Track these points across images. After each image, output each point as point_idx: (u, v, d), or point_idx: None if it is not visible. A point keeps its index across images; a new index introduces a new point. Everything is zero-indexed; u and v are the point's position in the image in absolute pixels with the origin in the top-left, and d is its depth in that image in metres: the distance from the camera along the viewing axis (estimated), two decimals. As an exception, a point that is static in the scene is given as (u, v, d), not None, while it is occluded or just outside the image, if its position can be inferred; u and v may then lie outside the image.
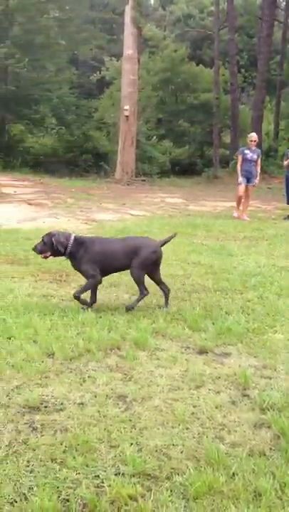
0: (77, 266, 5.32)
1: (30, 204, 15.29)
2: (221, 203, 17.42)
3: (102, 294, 5.77)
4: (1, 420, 3.06)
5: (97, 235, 9.78)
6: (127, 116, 23.85)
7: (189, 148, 32.06)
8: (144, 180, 24.54)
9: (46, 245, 5.24)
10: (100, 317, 4.93)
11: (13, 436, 2.89)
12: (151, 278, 5.48)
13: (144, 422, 3.07)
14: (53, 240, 5.17)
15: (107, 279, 5.69)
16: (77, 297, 5.23)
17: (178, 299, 5.76)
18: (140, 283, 5.34)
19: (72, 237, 5.25)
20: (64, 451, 2.74)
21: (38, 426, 3.00)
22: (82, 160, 27.08)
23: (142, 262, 5.24)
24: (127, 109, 23.77)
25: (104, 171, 26.51)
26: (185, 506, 2.39)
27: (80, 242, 5.26)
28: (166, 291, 5.47)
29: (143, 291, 5.34)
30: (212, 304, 5.57)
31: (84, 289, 5.29)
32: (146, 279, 5.32)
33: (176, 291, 6.00)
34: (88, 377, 3.69)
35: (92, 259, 5.20)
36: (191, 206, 16.65)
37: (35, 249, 5.36)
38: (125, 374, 3.77)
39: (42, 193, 18.12)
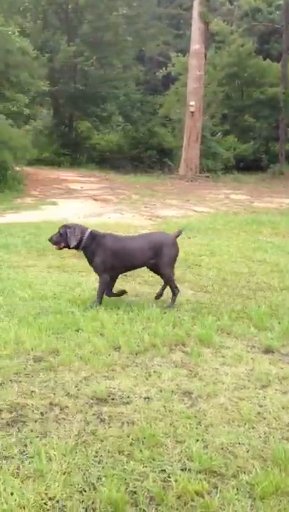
0: (90, 261, 5.31)
1: (96, 200, 15.58)
2: (287, 200, 17.04)
3: (167, 290, 5.80)
4: (71, 410, 3.15)
5: (161, 230, 9.85)
6: (192, 112, 23.75)
7: (254, 144, 31.47)
8: (208, 177, 24.36)
9: (62, 237, 5.25)
10: (165, 313, 4.96)
11: (81, 426, 2.98)
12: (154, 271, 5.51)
13: (210, 419, 3.08)
14: (67, 232, 5.21)
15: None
16: (98, 303, 5.17)
17: (243, 296, 5.71)
18: (172, 282, 5.35)
19: (88, 232, 5.26)
20: (131, 444, 2.80)
21: (106, 417, 3.08)
22: (146, 156, 27.20)
23: (169, 259, 5.29)
24: (192, 105, 23.66)
25: (168, 167, 26.52)
26: (251, 505, 2.39)
27: (94, 236, 5.24)
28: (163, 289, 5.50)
29: (175, 291, 5.36)
30: (278, 303, 5.48)
31: (100, 295, 5.21)
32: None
33: (240, 289, 5.95)
34: (154, 372, 3.74)
35: (105, 255, 5.16)
36: (256, 203, 16.39)
37: (50, 239, 5.36)
38: (190, 370, 3.79)
39: (107, 188, 18.40)
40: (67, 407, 3.19)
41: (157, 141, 27.50)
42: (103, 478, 2.51)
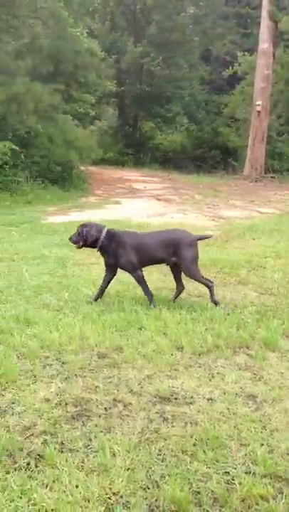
0: (112, 260, 5.27)
1: (159, 199, 15.63)
2: None
3: (230, 291, 5.75)
4: (134, 407, 3.18)
5: (224, 232, 9.76)
6: (258, 111, 23.39)
7: None
8: (273, 177, 23.90)
9: (80, 236, 5.27)
10: (228, 314, 4.90)
11: (145, 424, 3.00)
12: (174, 272, 5.41)
13: (275, 424, 3.02)
14: (84, 231, 5.22)
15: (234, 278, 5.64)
16: (150, 300, 5.19)
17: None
18: (200, 278, 5.28)
19: (105, 231, 5.25)
20: (194, 444, 2.79)
21: (169, 416, 3.08)
22: (210, 156, 27.05)
23: (191, 257, 5.20)
24: (259, 104, 23.31)
25: (232, 167, 26.24)
26: None
27: (111, 235, 5.24)
28: (180, 289, 5.43)
29: (208, 283, 5.29)
30: None
31: (146, 291, 5.23)
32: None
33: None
34: (217, 373, 3.71)
35: (128, 252, 5.16)
36: None
37: (70, 238, 5.39)
38: (254, 374, 3.73)
39: (170, 188, 18.43)
40: (130, 403, 3.22)
41: (222, 141, 27.29)
42: (167, 477, 2.52)
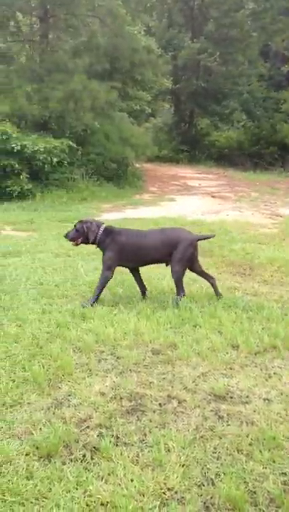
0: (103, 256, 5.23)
1: (213, 197, 15.51)
2: None
3: (287, 290, 5.63)
4: (189, 404, 3.17)
5: (281, 230, 9.57)
6: None
7: None
8: None
9: (78, 232, 5.19)
10: (286, 314, 4.80)
11: (199, 421, 2.98)
12: (193, 271, 5.30)
13: None
14: (85, 227, 5.14)
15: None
16: (94, 300, 5.05)
17: None
18: (179, 281, 5.13)
19: (103, 227, 5.18)
20: (250, 444, 2.75)
21: (224, 415, 3.05)
22: (267, 153, 26.52)
23: (181, 256, 5.07)
24: None
25: (290, 164, 25.67)
26: None
27: (108, 232, 5.16)
28: (212, 282, 5.32)
29: (179, 292, 5.14)
30: None
31: (98, 292, 5.09)
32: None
33: None
34: (274, 373, 3.64)
35: (116, 250, 5.08)
36: None
37: (66, 236, 5.31)
38: (313, 376, 3.64)
39: (226, 186, 18.24)
40: (185, 400, 3.21)
41: (280, 138, 26.67)
42: (222, 475, 2.50)
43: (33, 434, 2.83)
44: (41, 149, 13.80)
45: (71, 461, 2.62)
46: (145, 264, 5.37)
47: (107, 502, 2.33)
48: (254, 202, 14.24)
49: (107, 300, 5.19)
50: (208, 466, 2.57)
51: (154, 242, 5.15)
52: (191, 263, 5.21)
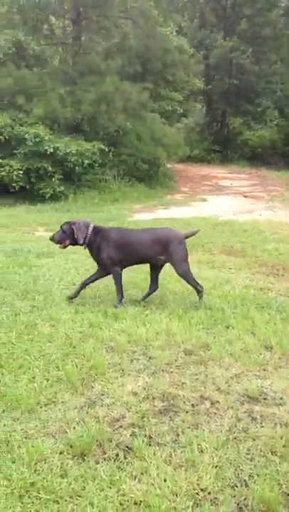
0: (95, 255, 5.14)
1: (246, 196, 15.39)
2: None
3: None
4: (221, 405, 3.16)
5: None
6: None
7: None
8: None
9: (66, 234, 5.06)
10: None
11: (233, 422, 2.97)
12: (153, 270, 5.22)
13: None
14: (74, 228, 5.01)
15: None
16: (119, 300, 5.07)
17: None
18: (190, 278, 5.10)
19: (92, 227, 5.09)
20: (284, 446, 2.73)
21: (258, 417, 3.03)
22: (302, 152, 26.19)
23: (182, 254, 5.04)
24: None
25: None
26: None
27: (97, 231, 5.08)
28: (153, 290, 5.25)
29: (197, 287, 5.11)
30: None
31: (119, 289, 5.09)
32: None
33: None
34: (308, 375, 3.59)
35: (111, 248, 5.01)
36: None
37: (53, 238, 5.15)
38: None
39: (258, 185, 18.07)
40: (218, 401, 3.20)
41: (315, 137, 26.31)
42: (255, 476, 2.48)
43: (67, 432, 2.86)
44: (73, 152, 13.94)
45: (104, 460, 2.64)
46: (134, 264, 5.32)
47: (140, 501, 2.34)
48: (287, 201, 14.06)
49: (138, 300, 5.20)
50: (241, 468, 2.56)
51: (144, 240, 5.10)
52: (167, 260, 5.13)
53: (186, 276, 5.12)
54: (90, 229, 5.06)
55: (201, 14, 27.42)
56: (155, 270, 5.25)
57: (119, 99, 15.10)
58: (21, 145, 13.97)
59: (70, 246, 5.16)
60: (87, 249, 5.15)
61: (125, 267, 5.23)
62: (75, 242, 5.07)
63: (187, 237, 5.22)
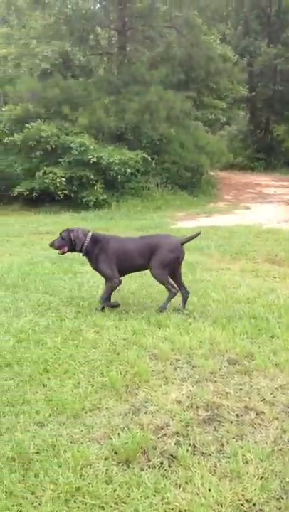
0: (94, 264, 5.15)
1: (290, 205, 15.19)
2: None
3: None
4: (267, 416, 3.12)
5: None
6: None
7: None
8: None
9: (64, 240, 5.13)
10: None
11: (278, 433, 2.93)
12: (172, 277, 5.13)
13: None
14: (72, 235, 5.08)
15: None
16: (104, 305, 5.09)
17: None
18: (164, 282, 5.07)
19: (90, 234, 5.11)
20: None
21: (304, 429, 2.98)
22: None
23: (161, 260, 4.98)
24: None
25: None
26: None
27: (95, 239, 5.09)
28: (185, 294, 5.18)
29: (171, 289, 5.07)
30: None
31: (106, 294, 5.09)
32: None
33: None
34: None
35: (108, 257, 5.02)
36: None
37: (52, 245, 5.23)
38: None
39: (303, 194, 17.80)
40: (263, 412, 3.17)
41: None
42: (302, 490, 2.44)
43: (111, 438, 2.89)
44: (116, 161, 14.09)
45: (149, 467, 2.65)
46: (131, 271, 5.38)
47: (185, 510, 2.34)
48: None
49: (182, 308, 5.20)
50: (287, 480, 2.52)
51: (139, 248, 5.12)
52: (172, 268, 5.13)
53: (160, 280, 5.13)
54: (88, 237, 5.16)
55: (245, 22, 27.37)
56: (173, 276, 5.24)
57: (163, 108, 15.20)
58: (66, 154, 14.23)
59: (68, 252, 5.29)
60: (85, 256, 5.25)
61: (124, 275, 5.29)
62: (73, 249, 5.20)
63: (185, 243, 5.23)
